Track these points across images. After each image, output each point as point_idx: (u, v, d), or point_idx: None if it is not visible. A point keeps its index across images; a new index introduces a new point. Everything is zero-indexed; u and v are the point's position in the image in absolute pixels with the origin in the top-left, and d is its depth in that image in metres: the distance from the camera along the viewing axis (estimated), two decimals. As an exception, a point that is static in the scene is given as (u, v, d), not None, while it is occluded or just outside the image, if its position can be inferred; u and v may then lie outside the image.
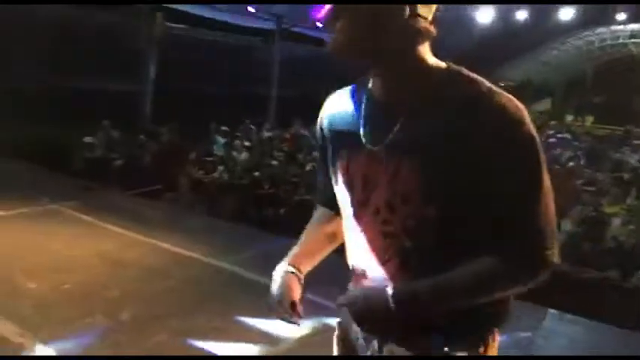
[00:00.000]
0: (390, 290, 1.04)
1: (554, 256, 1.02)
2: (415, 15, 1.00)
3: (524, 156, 0.99)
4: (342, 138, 1.17)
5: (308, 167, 7.57)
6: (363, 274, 1.16)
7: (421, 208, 1.03)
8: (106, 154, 8.50)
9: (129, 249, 4.73)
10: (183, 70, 11.61)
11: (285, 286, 1.22)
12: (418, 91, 1.05)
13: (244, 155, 8.67)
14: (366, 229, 1.13)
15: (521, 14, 12.98)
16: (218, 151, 9.05)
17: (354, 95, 1.18)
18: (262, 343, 3.17)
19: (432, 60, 1.07)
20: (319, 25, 11.25)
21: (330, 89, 1.26)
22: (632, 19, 16.79)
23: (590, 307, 3.95)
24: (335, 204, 1.24)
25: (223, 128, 10.04)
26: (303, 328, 3.16)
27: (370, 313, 1.07)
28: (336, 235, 1.32)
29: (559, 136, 11.59)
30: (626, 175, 8.43)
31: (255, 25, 13.35)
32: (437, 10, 1.05)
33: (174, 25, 11.56)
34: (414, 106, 1.04)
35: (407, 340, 1.10)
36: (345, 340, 1.25)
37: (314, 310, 3.06)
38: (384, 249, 1.10)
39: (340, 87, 1.24)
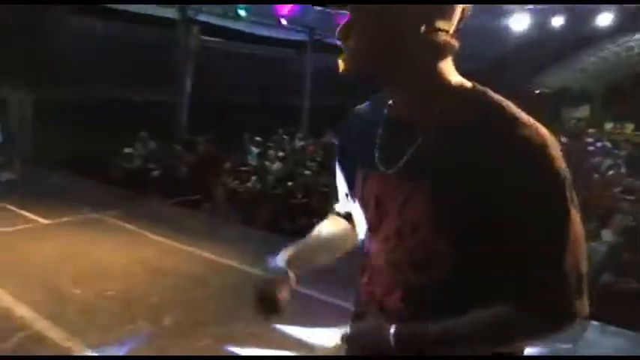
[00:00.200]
0: (392, 329, 0.96)
1: (583, 306, 0.90)
2: (433, 29, 0.91)
3: (551, 195, 0.88)
4: (358, 157, 1.09)
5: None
6: (367, 302, 1.09)
7: (430, 240, 0.94)
8: (143, 165, 8.73)
9: (168, 257, 4.88)
10: (219, 81, 11.87)
11: (276, 285, 1.13)
12: (437, 112, 0.94)
13: (277, 165, 8.76)
14: (374, 255, 1.06)
15: (557, 20, 12.73)
16: (252, 161, 9.19)
17: (372, 112, 1.09)
18: (298, 349, 3.23)
19: (455, 78, 0.97)
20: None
21: (360, 100, 1.20)
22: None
23: (631, 318, 3.86)
24: (349, 217, 1.20)
25: (257, 138, 10.18)
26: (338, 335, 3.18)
27: (369, 351, 1.01)
28: (346, 240, 1.26)
29: (598, 144, 11.30)
30: (667, 184, 8.16)
31: (288, 37, 13.51)
32: (461, 21, 0.94)
33: (209, 38, 11.83)
34: (431, 128, 0.94)
35: None
36: None
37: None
38: (389, 279, 1.02)
39: (372, 97, 1.16)
